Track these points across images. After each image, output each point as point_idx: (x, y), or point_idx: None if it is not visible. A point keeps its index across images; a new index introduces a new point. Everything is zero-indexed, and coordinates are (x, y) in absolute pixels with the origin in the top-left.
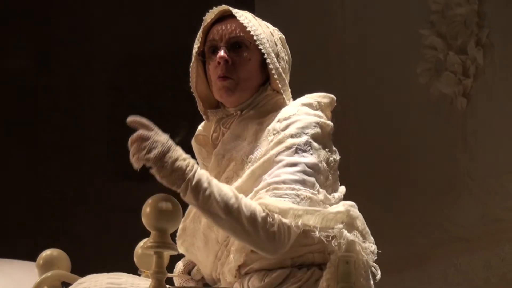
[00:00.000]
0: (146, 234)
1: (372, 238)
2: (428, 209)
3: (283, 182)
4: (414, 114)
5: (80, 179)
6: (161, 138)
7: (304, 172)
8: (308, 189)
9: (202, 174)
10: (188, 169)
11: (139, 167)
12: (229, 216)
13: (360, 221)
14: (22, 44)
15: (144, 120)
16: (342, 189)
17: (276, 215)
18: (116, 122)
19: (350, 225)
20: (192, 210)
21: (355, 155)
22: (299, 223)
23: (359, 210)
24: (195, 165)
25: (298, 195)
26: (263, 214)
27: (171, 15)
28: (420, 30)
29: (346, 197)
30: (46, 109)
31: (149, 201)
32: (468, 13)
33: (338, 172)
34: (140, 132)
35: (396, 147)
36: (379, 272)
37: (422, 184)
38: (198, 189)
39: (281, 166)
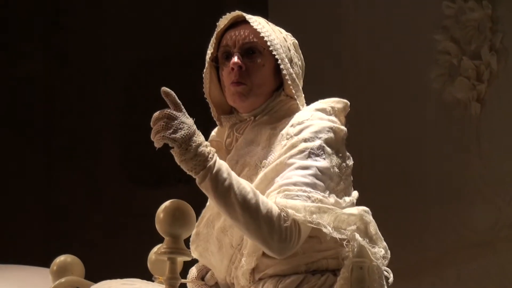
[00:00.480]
0: (160, 240)
1: (384, 243)
2: (442, 215)
3: (294, 184)
4: (427, 119)
5: (94, 184)
6: (188, 120)
7: (315, 176)
8: (319, 192)
9: (222, 164)
10: (209, 156)
11: (160, 146)
12: (246, 211)
13: (373, 227)
14: (36, 49)
15: (177, 98)
16: (354, 194)
17: (290, 211)
18: (130, 127)
19: (363, 230)
20: (205, 215)
21: (368, 160)
22: (313, 219)
23: (373, 215)
24: (216, 155)
25: (309, 197)
26: (278, 211)
27: (184, 20)
28: (434, 36)
29: (359, 203)
30: (60, 114)
31: (163, 206)
32: (482, 18)
33: (351, 177)
34: (168, 110)
35: (410, 152)
36: (391, 275)
37: (435, 190)
38: (217, 178)
39: (293, 169)
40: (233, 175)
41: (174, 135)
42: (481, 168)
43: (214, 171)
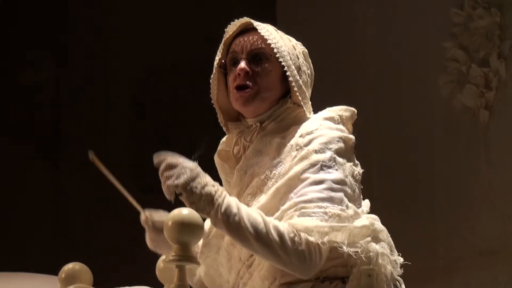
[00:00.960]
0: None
1: (396, 251)
2: (450, 222)
3: (310, 201)
4: (436, 126)
5: (102, 192)
6: (189, 164)
7: (330, 189)
8: (336, 205)
9: (231, 199)
10: (217, 194)
11: (172, 197)
12: (260, 241)
13: (385, 234)
14: (44, 57)
15: (169, 154)
16: (366, 203)
17: (302, 234)
18: (139, 135)
19: (376, 238)
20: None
21: (377, 168)
22: (325, 240)
23: (382, 223)
24: (224, 191)
25: (326, 213)
26: (291, 235)
27: (192, 28)
28: (442, 43)
29: (370, 211)
30: (69, 122)
31: (171, 214)
32: (490, 26)
33: (361, 185)
34: (168, 160)
35: (418, 160)
36: (403, 286)
37: (444, 197)
38: (228, 214)
39: (307, 184)
40: (243, 208)
41: (177, 181)
42: (490, 175)
43: (223, 208)
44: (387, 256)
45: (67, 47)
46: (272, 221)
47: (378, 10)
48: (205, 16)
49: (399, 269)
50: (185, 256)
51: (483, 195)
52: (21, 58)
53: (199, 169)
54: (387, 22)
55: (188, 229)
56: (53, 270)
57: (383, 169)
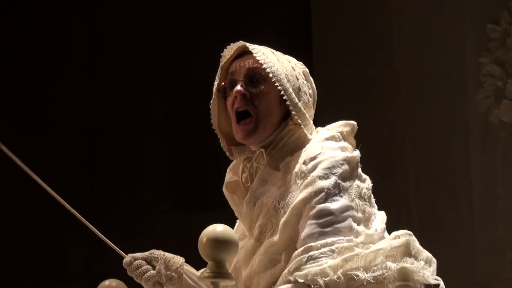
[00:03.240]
0: (203, 264)
1: (426, 253)
2: (488, 237)
3: (316, 238)
4: (473, 142)
5: (137, 209)
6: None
7: (336, 220)
8: (343, 237)
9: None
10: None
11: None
12: None
13: (412, 244)
14: (79, 75)
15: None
16: (382, 216)
17: (320, 280)
18: (173, 152)
19: (409, 254)
20: (233, 261)
21: (414, 184)
22: (340, 274)
23: (420, 237)
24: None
25: (333, 251)
26: None
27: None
28: (479, 58)
29: (405, 227)
30: (104, 141)
31: (206, 231)
32: None
33: (373, 197)
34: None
35: (456, 175)
36: (441, 283)
37: (481, 212)
38: None
39: (312, 217)
40: None
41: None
42: None
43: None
44: (412, 268)
45: (102, 65)
46: None
47: (413, 25)
48: (235, 32)
49: (424, 271)
50: (220, 272)
51: None
52: (56, 75)
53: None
54: (422, 37)
55: (222, 246)
56: (90, 287)
57: (418, 185)
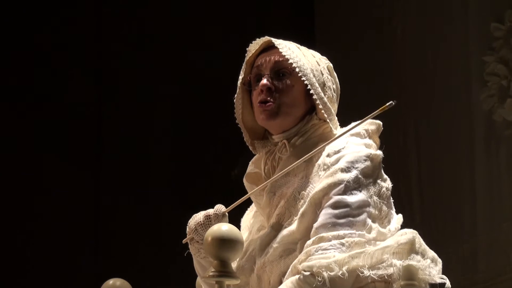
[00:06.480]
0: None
1: (431, 253)
2: (492, 237)
3: (329, 229)
4: (477, 141)
5: (145, 209)
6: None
7: (351, 213)
8: (355, 231)
9: None
10: None
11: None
12: None
13: (418, 242)
14: (87, 74)
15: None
16: (399, 218)
17: (325, 273)
18: (181, 152)
19: (415, 251)
20: (248, 248)
21: (417, 183)
22: (345, 270)
23: (423, 237)
24: None
25: (343, 244)
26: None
27: (234, 43)
28: (483, 57)
29: (410, 225)
30: (111, 141)
31: (211, 230)
32: None
33: (391, 199)
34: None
35: (460, 174)
36: (447, 282)
37: (486, 212)
38: None
39: (328, 207)
40: None
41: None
42: None
43: None
44: (418, 265)
45: (109, 66)
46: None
47: (417, 25)
48: (246, 30)
49: (429, 270)
50: (225, 271)
51: None
52: (64, 76)
53: None
54: (426, 36)
55: (227, 245)
56: (95, 286)
57: (422, 185)
